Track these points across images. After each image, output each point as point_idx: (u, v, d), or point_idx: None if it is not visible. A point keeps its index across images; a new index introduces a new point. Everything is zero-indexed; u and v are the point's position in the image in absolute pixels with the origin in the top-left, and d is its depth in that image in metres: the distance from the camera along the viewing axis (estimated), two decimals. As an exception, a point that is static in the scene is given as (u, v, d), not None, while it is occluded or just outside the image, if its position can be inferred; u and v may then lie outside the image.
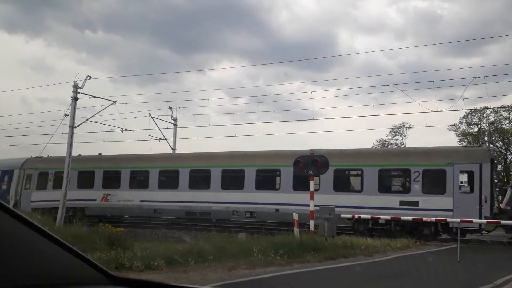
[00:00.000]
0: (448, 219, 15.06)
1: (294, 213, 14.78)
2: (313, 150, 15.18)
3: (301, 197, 16.47)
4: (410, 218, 15.79)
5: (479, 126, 42.10)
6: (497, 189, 17.83)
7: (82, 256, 1.72)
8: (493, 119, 41.15)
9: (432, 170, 16.79)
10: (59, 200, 20.61)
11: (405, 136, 44.86)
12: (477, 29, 57.21)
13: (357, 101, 68.25)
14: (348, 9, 70.15)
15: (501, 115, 40.54)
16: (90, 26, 71.28)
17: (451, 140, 42.88)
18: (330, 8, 70.39)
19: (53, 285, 1.62)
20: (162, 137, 26.36)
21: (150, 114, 25.27)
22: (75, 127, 20.95)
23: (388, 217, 16.13)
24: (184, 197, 20.55)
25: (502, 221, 14.80)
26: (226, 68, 76.60)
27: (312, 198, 14.13)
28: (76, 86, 20.69)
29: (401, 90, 19.89)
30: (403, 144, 43.72)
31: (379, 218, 16.22)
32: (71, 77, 75.51)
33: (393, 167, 17.77)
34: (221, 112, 44.94)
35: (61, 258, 1.66)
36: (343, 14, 69.51)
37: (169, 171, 21.87)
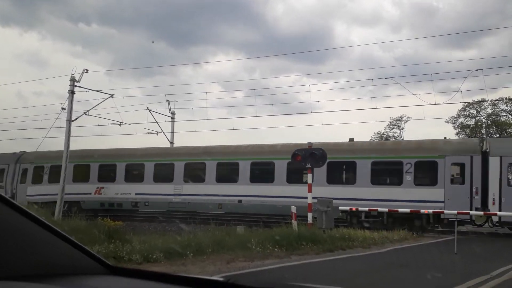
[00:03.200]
0: (445, 211, 15.15)
1: (292, 206, 14.84)
2: (311, 143, 15.21)
3: None
4: (407, 210, 15.86)
5: (476, 118, 42.26)
6: None
7: (81, 247, 1.73)
8: (490, 111, 41.31)
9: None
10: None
11: (403, 128, 45.03)
12: (473, 21, 57.25)
13: (354, 94, 68.27)
14: (344, 1, 69.91)
15: (499, 107, 40.71)
16: (84, 19, 70.98)
17: (449, 133, 43.07)
18: (325, 0, 70.12)
19: (53, 275, 1.64)
20: (160, 131, 26.35)
21: (147, 108, 25.25)
22: (73, 121, 20.89)
23: (386, 209, 16.18)
24: None
25: (499, 213, 14.89)
26: (223, 61, 76.50)
27: (310, 190, 14.18)
28: (73, 80, 20.59)
29: (399, 83, 19.90)
30: (401, 137, 43.85)
31: (376, 210, 16.26)
32: (66, 71, 75.25)
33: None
34: (218, 105, 45.11)
35: (60, 248, 1.67)
36: (339, 6, 69.30)
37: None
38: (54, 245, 1.65)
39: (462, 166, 16.28)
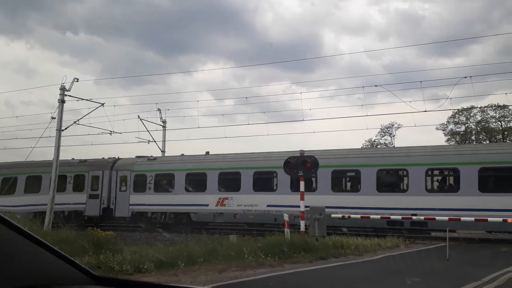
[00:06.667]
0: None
1: (285, 214, 14.79)
2: (304, 150, 15.22)
3: None
4: (399, 217, 15.93)
5: (466, 125, 42.70)
6: None
7: (65, 257, 1.70)
8: (480, 118, 41.79)
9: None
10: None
11: (394, 136, 45.31)
12: (459, 29, 58.16)
13: (342, 101, 68.85)
14: (331, 10, 70.64)
15: (488, 114, 41.18)
16: (72, 28, 70.69)
17: (439, 139, 43.45)
18: (313, 9, 70.81)
19: (37, 286, 1.60)
20: (151, 139, 26.21)
21: (138, 116, 25.12)
22: (63, 130, 20.69)
23: (378, 217, 16.19)
24: None
25: None
26: (213, 70, 76.70)
27: (302, 198, 14.15)
28: (63, 89, 20.43)
29: (389, 90, 20.08)
30: (392, 143, 44.11)
31: (368, 217, 16.27)
32: (55, 80, 74.90)
33: None
34: (209, 113, 44.95)
35: (43, 259, 1.64)
36: (327, 14, 70.00)
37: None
38: (37, 256, 1.61)
39: None
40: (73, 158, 25.02)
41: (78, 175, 23.80)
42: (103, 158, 24.88)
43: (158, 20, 68.73)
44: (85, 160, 24.38)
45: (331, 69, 67.99)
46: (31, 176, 24.59)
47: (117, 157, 24.40)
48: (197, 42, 71.18)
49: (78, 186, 23.59)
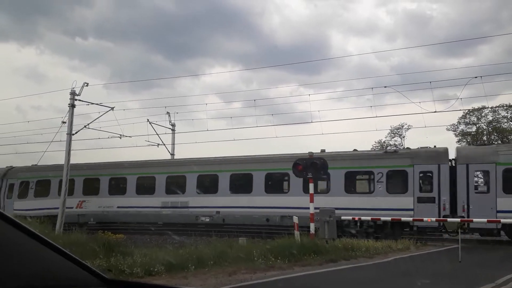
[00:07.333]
0: (449, 220, 15.00)
1: (294, 216, 14.74)
2: (312, 152, 15.17)
3: None
4: (410, 219, 15.83)
5: (477, 125, 42.20)
6: None
7: (76, 260, 1.71)
8: (491, 118, 41.27)
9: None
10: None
11: (404, 137, 44.94)
12: (467, 29, 57.53)
13: (351, 103, 68.52)
14: (339, 11, 70.40)
15: (499, 114, 40.66)
16: (81, 33, 71.42)
17: (450, 140, 42.95)
18: (320, 11, 70.63)
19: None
20: (161, 143, 26.31)
21: (148, 120, 25.22)
22: (73, 134, 20.90)
23: (389, 219, 16.10)
24: None
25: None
26: (220, 73, 76.76)
27: (312, 200, 14.09)
28: (73, 93, 20.65)
29: (399, 91, 19.97)
30: (402, 145, 43.73)
31: (379, 219, 16.18)
32: (64, 85, 75.83)
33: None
34: (217, 116, 45.05)
35: (54, 261, 1.65)
36: (334, 16, 69.76)
37: None
38: (48, 258, 1.63)
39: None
40: (373, 149, 20.81)
41: (394, 170, 17.73)
42: (422, 147, 18.56)
43: (165, 24, 69.28)
44: (395, 151, 18.84)
45: (340, 71, 67.80)
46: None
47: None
48: (204, 45, 71.56)
49: (394, 186, 17.75)
